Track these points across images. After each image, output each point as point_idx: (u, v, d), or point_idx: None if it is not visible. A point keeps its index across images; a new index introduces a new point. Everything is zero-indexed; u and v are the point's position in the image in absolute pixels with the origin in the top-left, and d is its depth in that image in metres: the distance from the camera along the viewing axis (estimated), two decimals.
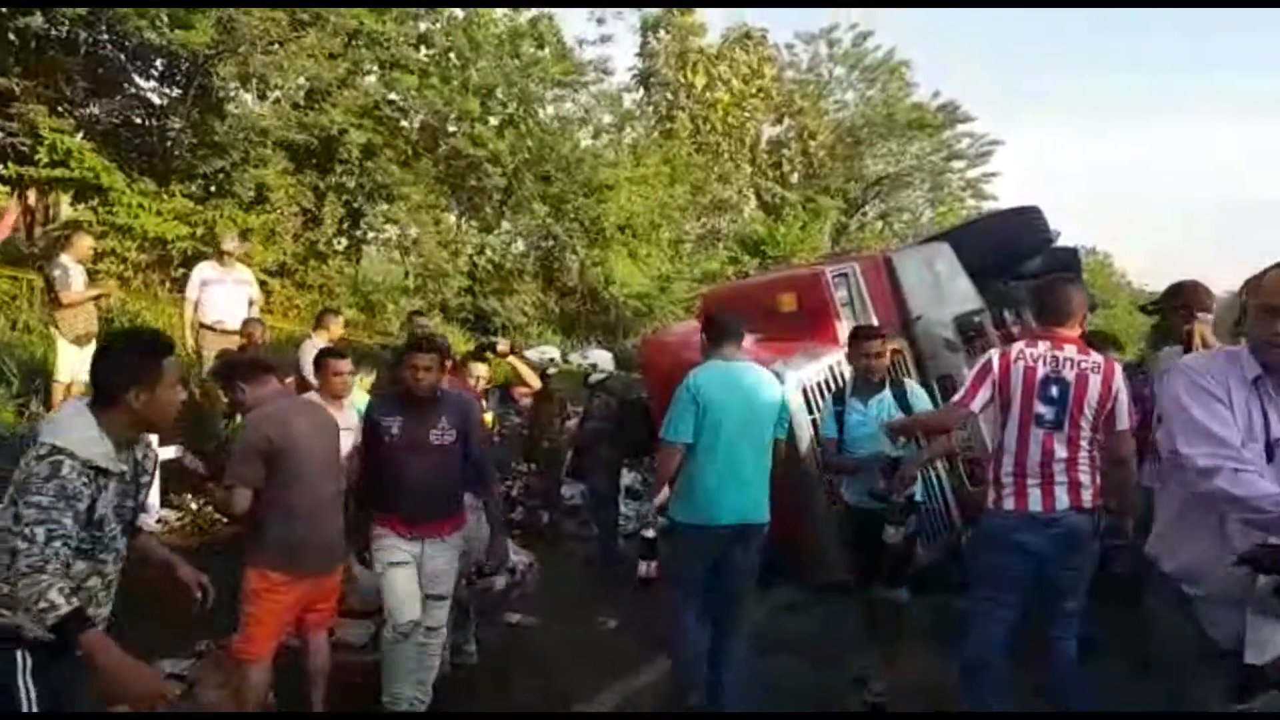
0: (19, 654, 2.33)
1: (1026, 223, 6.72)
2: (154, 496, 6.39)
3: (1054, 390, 3.47)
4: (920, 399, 4.32)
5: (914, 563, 4.32)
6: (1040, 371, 3.48)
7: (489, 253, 13.97)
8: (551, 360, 7.35)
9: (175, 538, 6.32)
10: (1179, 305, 4.24)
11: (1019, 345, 3.65)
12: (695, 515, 3.86)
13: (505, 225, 14.76)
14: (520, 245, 15.16)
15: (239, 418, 3.85)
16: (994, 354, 3.64)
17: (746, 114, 20.61)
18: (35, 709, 2.33)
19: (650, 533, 5.75)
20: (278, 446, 3.45)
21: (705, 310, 7.09)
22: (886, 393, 4.26)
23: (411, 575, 3.87)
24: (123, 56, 10.83)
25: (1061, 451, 3.45)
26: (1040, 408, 3.47)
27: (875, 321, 5.75)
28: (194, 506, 6.54)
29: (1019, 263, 6.70)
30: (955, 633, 3.82)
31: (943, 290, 6.06)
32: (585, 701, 4.23)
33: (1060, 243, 7.38)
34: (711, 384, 3.86)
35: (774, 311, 5.93)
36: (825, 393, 5.12)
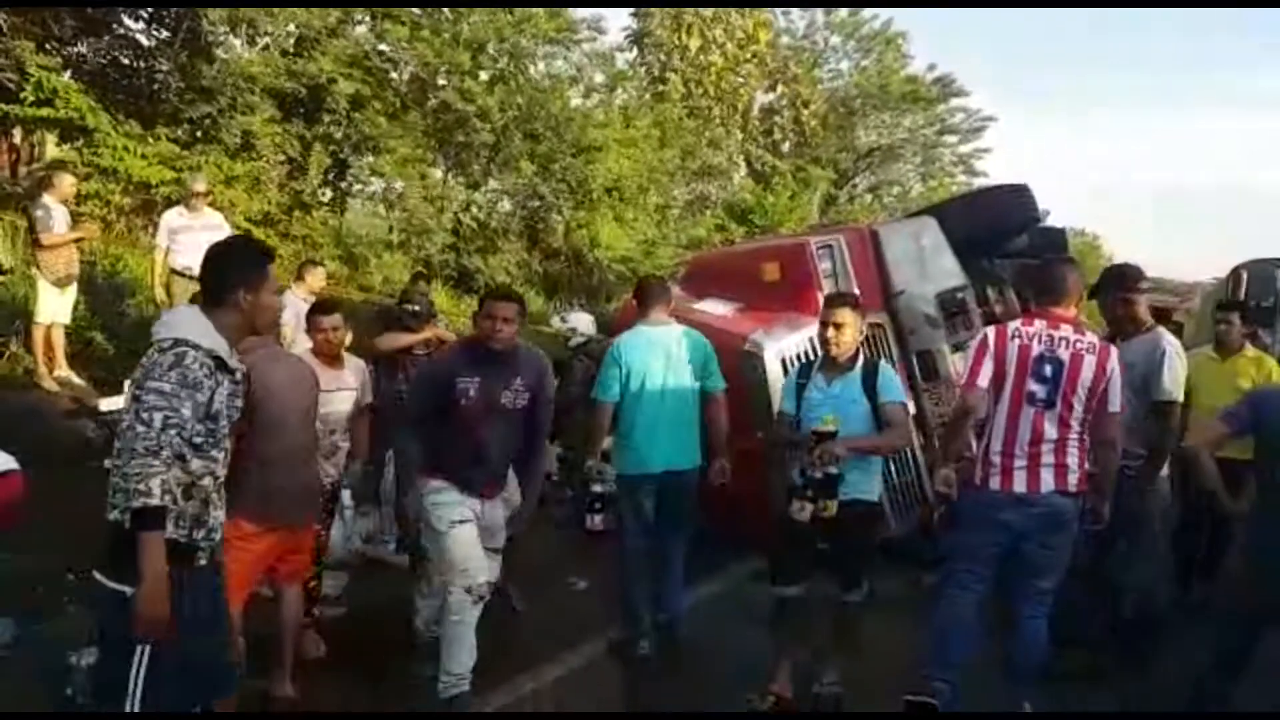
0: (139, 651, 2.40)
1: (1015, 200, 6.76)
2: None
3: (1048, 369, 3.49)
4: (888, 385, 3.79)
5: (866, 562, 3.84)
6: (1035, 350, 3.51)
7: (474, 210, 13.86)
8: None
9: None
10: (1113, 287, 4.31)
11: (1015, 323, 3.70)
12: (630, 466, 4.42)
13: (492, 183, 14.62)
14: (506, 204, 15.04)
15: None
16: (990, 331, 3.71)
17: (740, 79, 20.41)
18: (138, 709, 2.39)
19: (598, 488, 5.92)
20: (256, 397, 3.42)
21: (687, 276, 7.14)
22: (856, 373, 3.79)
23: (474, 533, 3.70)
24: None
25: (1051, 431, 3.48)
26: (1033, 385, 3.50)
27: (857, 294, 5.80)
28: None
29: (1006, 240, 6.76)
30: (923, 609, 3.93)
31: (927, 265, 6.12)
32: (550, 662, 4.29)
33: (1049, 223, 7.44)
34: (634, 347, 4.37)
35: (757, 281, 5.98)
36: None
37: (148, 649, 2.38)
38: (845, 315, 3.75)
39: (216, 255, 2.66)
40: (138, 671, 2.38)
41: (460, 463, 3.71)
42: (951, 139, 23.66)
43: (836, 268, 5.87)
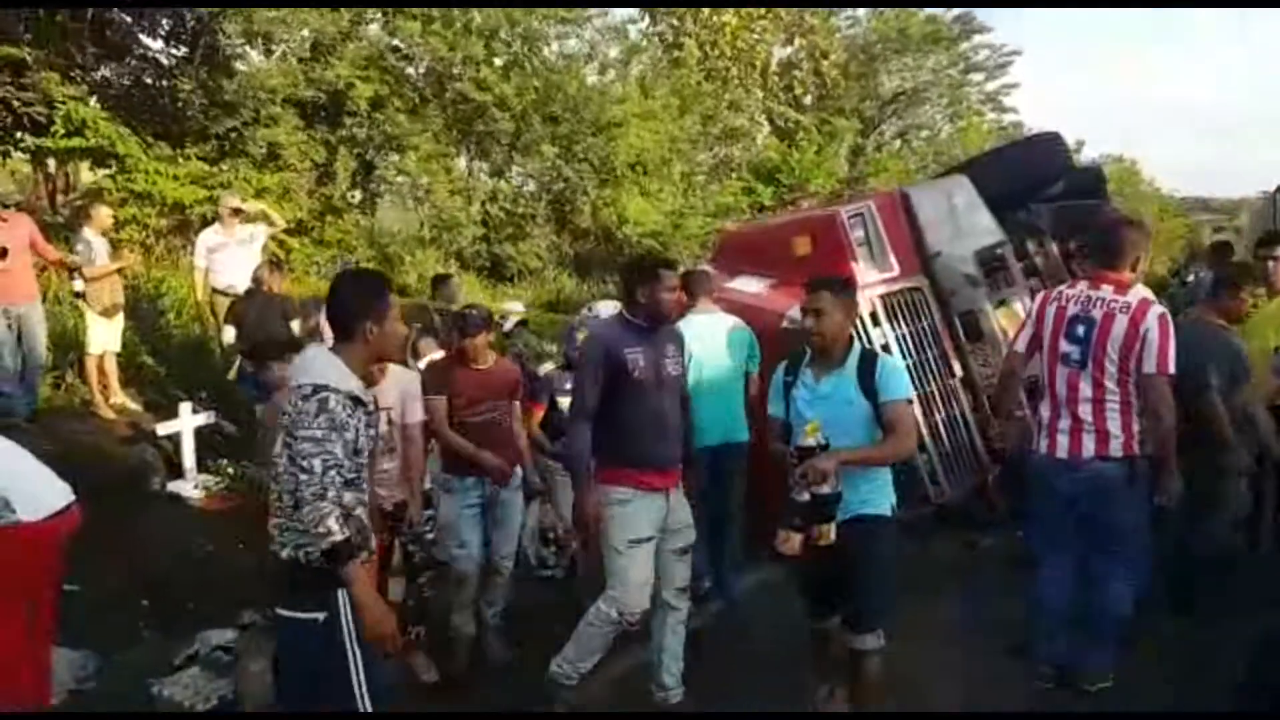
0: (352, 659, 2.63)
1: (1046, 150, 6.66)
2: (189, 461, 6.60)
3: (1080, 329, 3.49)
4: (889, 381, 3.21)
5: (879, 593, 3.25)
6: (1070, 311, 3.52)
7: (501, 199, 13.88)
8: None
9: (214, 503, 6.52)
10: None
11: (1061, 286, 3.73)
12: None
13: (515, 169, 14.64)
14: (531, 188, 15.04)
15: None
16: (1040, 295, 3.79)
17: (756, 36, 20.07)
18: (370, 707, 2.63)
19: None
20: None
21: (719, 253, 7.11)
22: (850, 367, 3.24)
23: (651, 554, 3.60)
24: (128, 18, 10.71)
25: (1087, 390, 3.45)
26: (1065, 346, 3.51)
27: (893, 261, 5.75)
28: (230, 472, 6.71)
29: (1041, 190, 6.66)
30: (977, 575, 3.94)
31: (961, 224, 6.03)
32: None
33: (1084, 156, 7.30)
34: (691, 335, 4.30)
35: (789, 255, 5.93)
36: None
37: (359, 656, 2.62)
38: (824, 300, 3.22)
39: (338, 291, 2.78)
40: (358, 678, 2.61)
41: (646, 441, 3.61)
42: (977, 77, 23.08)
43: (869, 235, 5.79)
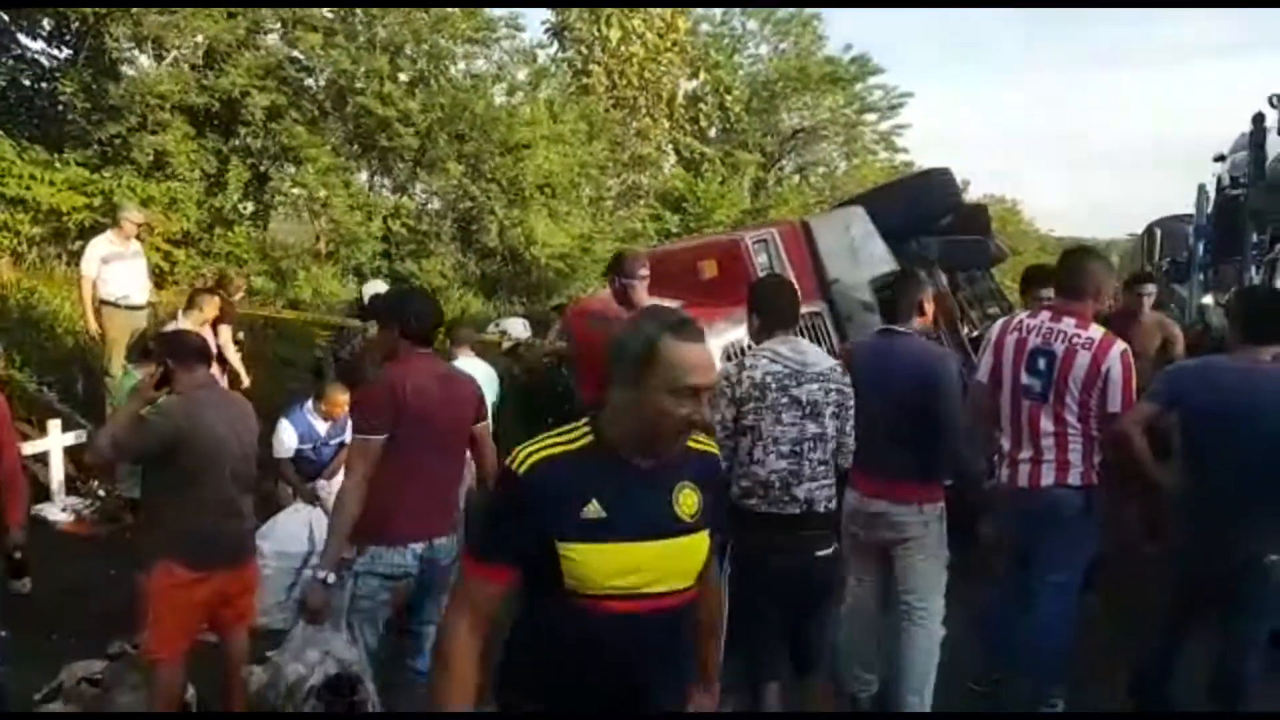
0: None
1: (938, 184, 6.95)
2: (57, 483, 6.21)
3: (1041, 362, 3.42)
4: None
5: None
6: (1031, 343, 3.45)
7: (404, 215, 13.64)
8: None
9: (83, 527, 6.14)
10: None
11: (1021, 315, 3.66)
12: None
13: (420, 186, 14.42)
14: (436, 205, 14.83)
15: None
16: (999, 323, 3.71)
17: (662, 68, 20.40)
18: None
19: None
20: (184, 436, 3.31)
21: None
22: None
23: None
24: (5, 16, 10.13)
25: (1048, 425, 3.40)
26: (1026, 379, 3.45)
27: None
28: (101, 494, 6.34)
29: (932, 223, 6.93)
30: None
31: (859, 253, 6.24)
32: None
33: (969, 192, 7.66)
34: None
35: (696, 278, 6.01)
36: None
37: None
38: None
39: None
40: None
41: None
42: (871, 117, 24.01)
43: (772, 261, 5.94)
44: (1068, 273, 3.57)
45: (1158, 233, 13.75)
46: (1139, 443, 3.36)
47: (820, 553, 3.14)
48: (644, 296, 4.53)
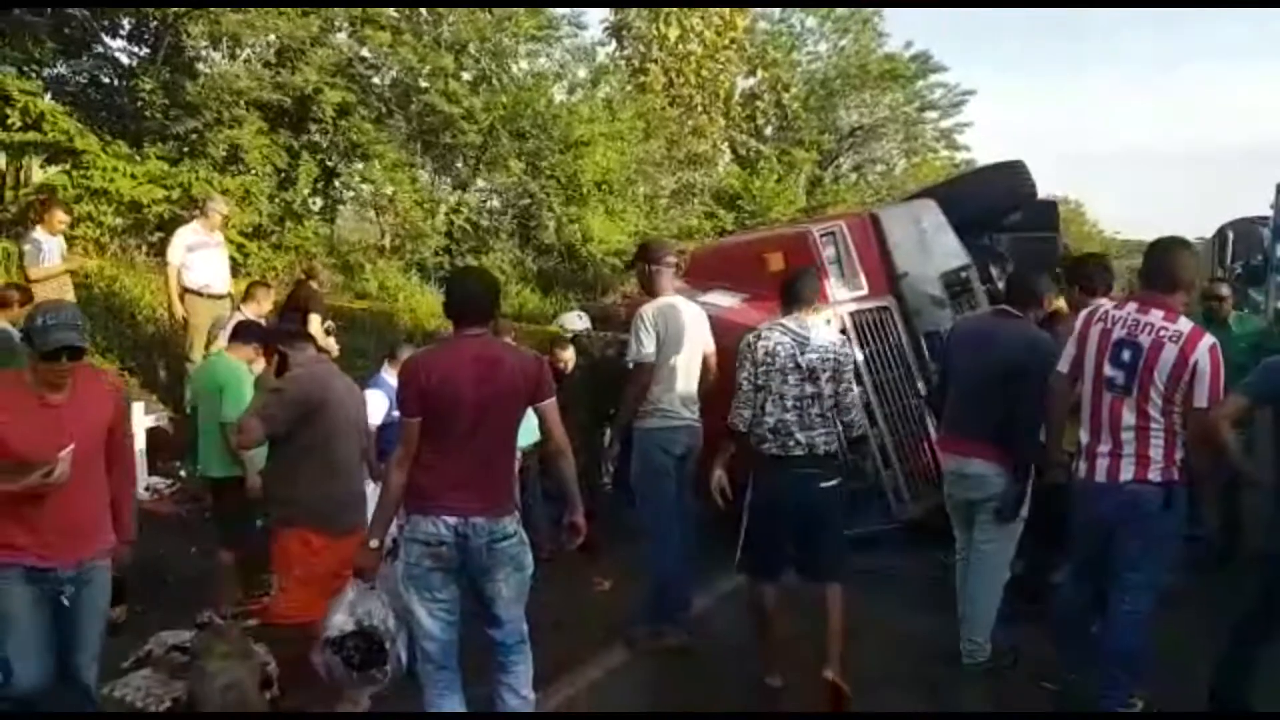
0: None
1: (1012, 177, 6.83)
2: (140, 464, 6.41)
3: (1125, 354, 3.34)
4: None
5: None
6: (1115, 334, 3.37)
7: (465, 211, 13.84)
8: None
9: (165, 505, 6.34)
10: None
11: (1105, 305, 3.58)
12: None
13: (480, 183, 14.61)
14: (496, 203, 15.02)
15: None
16: (1084, 313, 3.62)
17: (720, 66, 20.37)
18: None
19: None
20: (318, 402, 3.58)
21: (690, 268, 7.17)
22: None
23: None
24: (89, 15, 10.51)
25: (1129, 418, 3.33)
26: (1110, 371, 3.37)
27: (863, 280, 5.87)
28: (182, 474, 6.53)
29: (1003, 216, 6.84)
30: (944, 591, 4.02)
31: (929, 246, 6.17)
32: (592, 664, 4.35)
33: (1039, 195, 7.52)
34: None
35: (762, 271, 6.01)
36: None
37: None
38: None
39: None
40: None
41: None
42: (932, 114, 23.69)
43: (840, 254, 5.90)
44: (1156, 264, 3.45)
45: (1230, 235, 13.34)
46: (1228, 436, 3.30)
47: (824, 485, 3.85)
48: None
